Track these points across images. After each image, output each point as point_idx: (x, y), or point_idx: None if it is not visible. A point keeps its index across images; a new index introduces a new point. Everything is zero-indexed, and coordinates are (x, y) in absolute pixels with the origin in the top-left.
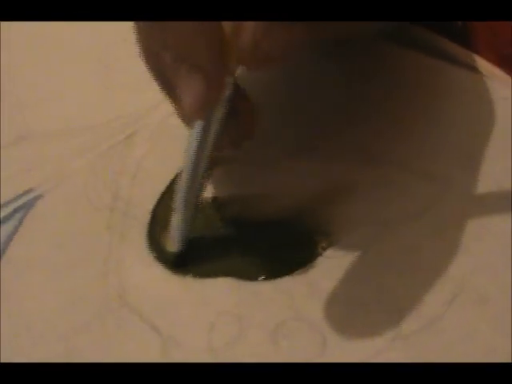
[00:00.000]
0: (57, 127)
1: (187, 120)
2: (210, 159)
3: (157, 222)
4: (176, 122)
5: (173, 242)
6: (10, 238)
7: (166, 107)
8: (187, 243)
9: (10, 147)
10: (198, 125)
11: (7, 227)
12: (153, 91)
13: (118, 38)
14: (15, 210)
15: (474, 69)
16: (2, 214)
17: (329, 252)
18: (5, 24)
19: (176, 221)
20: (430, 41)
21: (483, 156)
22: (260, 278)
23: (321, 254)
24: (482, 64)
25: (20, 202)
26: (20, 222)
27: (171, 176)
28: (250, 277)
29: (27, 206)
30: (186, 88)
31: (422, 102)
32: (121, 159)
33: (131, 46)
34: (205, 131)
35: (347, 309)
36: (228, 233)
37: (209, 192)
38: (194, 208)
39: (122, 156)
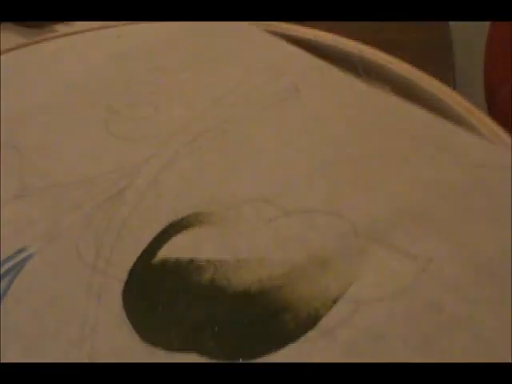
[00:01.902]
0: (51, 181)
1: None
2: None
3: (134, 283)
4: (165, 178)
5: None
6: None
7: (158, 162)
8: None
9: (5, 206)
10: None
11: None
12: (149, 142)
13: (120, 87)
14: (6, 272)
15: (475, 129)
16: None
17: (296, 332)
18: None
19: None
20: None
21: (469, 236)
22: (224, 358)
23: (288, 337)
24: (484, 122)
25: (11, 264)
26: (9, 285)
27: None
28: (215, 356)
29: (18, 267)
30: None
31: (415, 163)
32: (107, 217)
33: (132, 96)
34: None
35: None
36: (199, 301)
37: (186, 252)
38: None
39: (109, 214)
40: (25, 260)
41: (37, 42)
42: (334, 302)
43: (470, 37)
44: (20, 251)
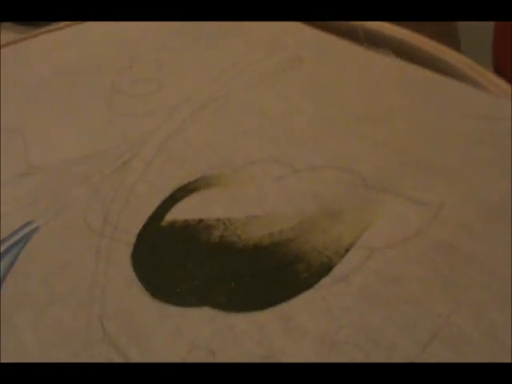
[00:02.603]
0: (57, 159)
1: None
2: None
3: (142, 245)
4: (171, 145)
5: None
6: (5, 274)
7: (164, 132)
8: None
9: (9, 184)
10: None
11: (4, 263)
12: (154, 116)
13: (124, 65)
14: (13, 245)
15: (479, 84)
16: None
17: (310, 281)
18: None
19: None
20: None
21: (479, 181)
22: (238, 311)
23: (301, 285)
24: (488, 78)
25: (17, 237)
26: (16, 257)
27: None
28: (228, 308)
29: (24, 240)
30: None
31: (421, 119)
32: (114, 186)
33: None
34: None
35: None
36: (210, 257)
37: (195, 213)
38: None
39: (116, 183)
40: (32, 232)
41: (37, 35)
42: (347, 250)
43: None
44: (26, 225)
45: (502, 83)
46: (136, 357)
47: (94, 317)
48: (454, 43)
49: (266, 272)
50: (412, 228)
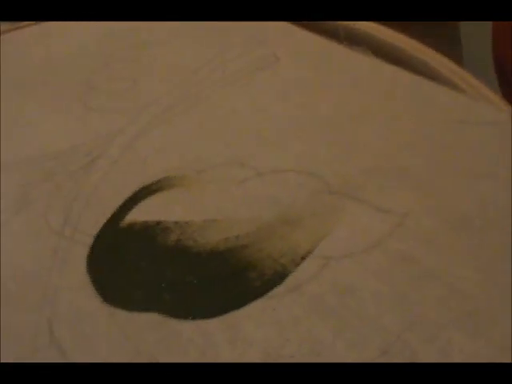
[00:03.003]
0: (24, 155)
1: None
2: None
3: (99, 247)
4: (140, 144)
5: None
6: None
7: (131, 132)
8: None
9: None
10: None
11: None
12: (123, 114)
13: (100, 63)
14: None
15: (459, 88)
16: None
17: (262, 289)
18: None
19: None
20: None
21: (447, 192)
22: (186, 318)
23: (253, 294)
24: (468, 81)
25: None
26: None
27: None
28: (177, 315)
29: None
30: None
31: (395, 123)
32: (78, 184)
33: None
34: None
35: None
36: (164, 261)
37: (155, 214)
38: None
39: (80, 181)
40: None
41: (9, 31)
42: (303, 258)
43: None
44: None
45: (482, 87)
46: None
47: (44, 320)
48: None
49: (219, 279)
50: (372, 237)
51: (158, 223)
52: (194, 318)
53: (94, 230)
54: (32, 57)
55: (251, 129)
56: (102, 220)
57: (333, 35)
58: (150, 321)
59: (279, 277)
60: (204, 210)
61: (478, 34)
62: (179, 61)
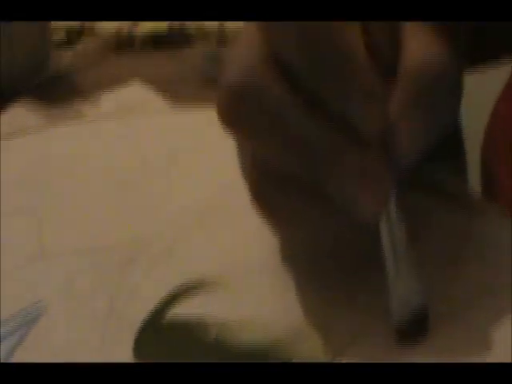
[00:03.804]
0: (69, 246)
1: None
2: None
3: (145, 333)
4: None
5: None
6: (13, 351)
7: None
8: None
9: (23, 267)
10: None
11: (12, 341)
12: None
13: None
14: (22, 324)
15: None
16: (4, 330)
17: None
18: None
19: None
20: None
21: None
22: None
23: None
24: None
25: (23, 317)
26: (24, 335)
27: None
28: None
29: (30, 321)
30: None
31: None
32: (120, 279)
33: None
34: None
35: None
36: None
37: (194, 312)
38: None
39: (121, 276)
40: (40, 312)
41: (58, 124)
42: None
43: None
44: (35, 304)
45: None
46: None
47: None
48: None
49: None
50: None
51: (198, 321)
52: None
53: (136, 323)
54: (73, 150)
55: None
56: (144, 313)
57: None
58: None
59: None
60: (241, 311)
61: None
62: (215, 164)
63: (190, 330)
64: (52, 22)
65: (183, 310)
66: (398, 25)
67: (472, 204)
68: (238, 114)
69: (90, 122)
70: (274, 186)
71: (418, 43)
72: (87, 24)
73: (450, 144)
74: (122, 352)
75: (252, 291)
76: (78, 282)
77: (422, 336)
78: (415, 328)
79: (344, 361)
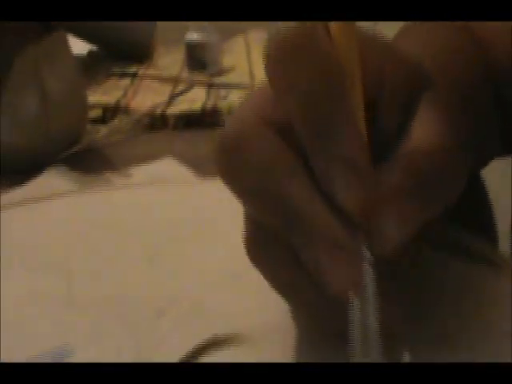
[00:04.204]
0: (98, 295)
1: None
2: None
3: None
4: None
5: None
6: None
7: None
8: None
9: (50, 314)
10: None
11: None
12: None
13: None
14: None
15: None
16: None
17: None
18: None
19: None
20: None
21: None
22: None
23: None
24: None
25: (48, 358)
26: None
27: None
28: None
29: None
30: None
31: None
32: (148, 331)
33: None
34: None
35: None
36: None
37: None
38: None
39: (150, 327)
40: (66, 355)
41: (89, 191)
42: None
43: None
44: (62, 347)
45: None
46: None
47: None
48: None
49: None
50: None
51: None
52: None
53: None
54: (102, 215)
55: None
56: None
57: None
58: None
59: None
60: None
61: None
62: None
63: None
64: (89, 99)
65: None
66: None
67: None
68: (229, 167)
69: (121, 190)
70: (264, 243)
71: (428, 130)
72: (123, 102)
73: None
74: None
75: (278, 350)
76: (105, 329)
77: None
78: None
79: None
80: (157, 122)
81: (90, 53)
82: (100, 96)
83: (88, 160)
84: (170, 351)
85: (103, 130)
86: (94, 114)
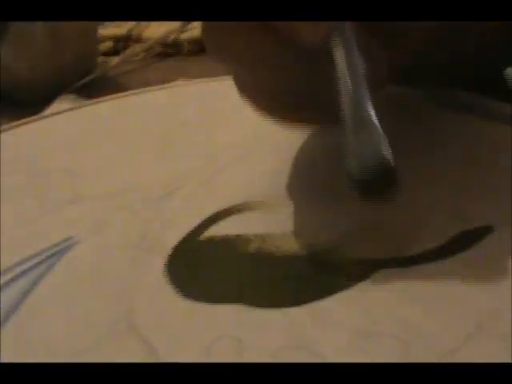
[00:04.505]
0: (103, 190)
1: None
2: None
3: (178, 255)
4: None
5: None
6: (39, 280)
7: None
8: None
9: (55, 210)
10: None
11: (40, 271)
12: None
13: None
14: (50, 255)
15: None
16: (35, 260)
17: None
18: None
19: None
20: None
21: None
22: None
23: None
24: None
25: (56, 248)
26: (52, 266)
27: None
28: (260, 304)
29: (62, 251)
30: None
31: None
32: (156, 210)
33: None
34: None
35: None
36: (246, 264)
37: (233, 230)
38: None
39: (157, 207)
40: (70, 246)
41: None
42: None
43: None
44: (66, 239)
45: None
46: (161, 347)
47: (121, 311)
48: None
49: (303, 278)
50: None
51: (238, 235)
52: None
53: (171, 243)
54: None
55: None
56: (180, 236)
57: None
58: (233, 311)
59: (365, 275)
60: (282, 226)
61: None
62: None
63: (228, 244)
64: (102, 32)
65: (222, 231)
66: None
67: None
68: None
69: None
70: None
71: None
72: (135, 32)
73: None
74: (151, 273)
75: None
76: (111, 219)
77: (389, 194)
78: (380, 186)
79: None
80: (170, 49)
81: None
82: (112, 28)
83: (100, 88)
84: (179, 227)
85: (115, 59)
86: (106, 46)
